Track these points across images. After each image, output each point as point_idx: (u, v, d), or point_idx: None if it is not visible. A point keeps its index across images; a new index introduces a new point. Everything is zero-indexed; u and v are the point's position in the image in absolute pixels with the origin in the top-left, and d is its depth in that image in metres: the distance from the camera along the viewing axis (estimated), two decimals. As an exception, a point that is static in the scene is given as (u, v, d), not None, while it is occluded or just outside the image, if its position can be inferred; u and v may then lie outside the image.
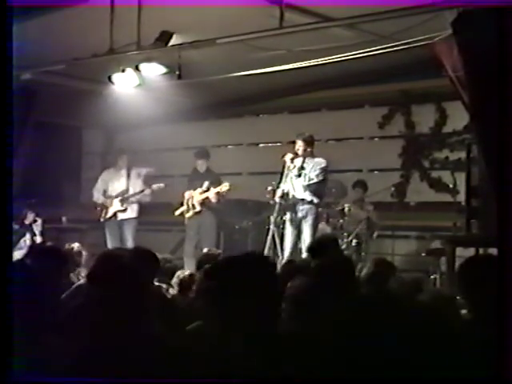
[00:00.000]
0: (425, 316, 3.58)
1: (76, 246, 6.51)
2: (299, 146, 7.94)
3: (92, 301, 2.96)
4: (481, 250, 6.52)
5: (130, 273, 3.01)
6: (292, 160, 7.91)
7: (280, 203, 7.89)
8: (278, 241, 8.15)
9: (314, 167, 7.92)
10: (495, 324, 2.85)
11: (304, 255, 7.63)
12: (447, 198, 9.23)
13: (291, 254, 7.75)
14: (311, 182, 7.86)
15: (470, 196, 6.76)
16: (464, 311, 3.60)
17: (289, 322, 3.61)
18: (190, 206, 9.15)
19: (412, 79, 9.61)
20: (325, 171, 7.97)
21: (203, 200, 9.08)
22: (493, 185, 5.48)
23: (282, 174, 7.95)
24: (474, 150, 6.70)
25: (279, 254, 7.98)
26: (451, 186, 8.84)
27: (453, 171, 8.80)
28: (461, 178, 7.85)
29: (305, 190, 7.89)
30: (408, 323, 2.86)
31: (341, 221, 8.99)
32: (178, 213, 9.25)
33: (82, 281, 5.24)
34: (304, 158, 7.94)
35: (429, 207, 9.67)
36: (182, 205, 9.25)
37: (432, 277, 8.22)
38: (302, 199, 7.89)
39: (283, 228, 8.05)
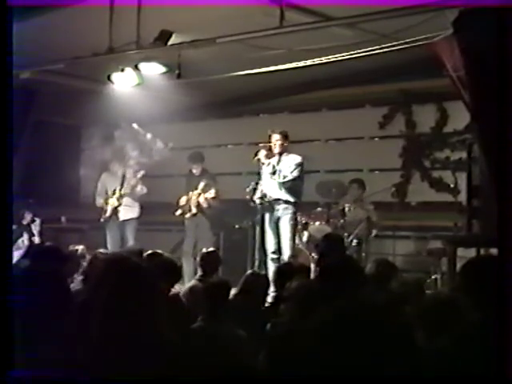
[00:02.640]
0: (426, 316, 3.56)
1: (80, 248, 6.41)
2: (276, 140, 7.68)
3: (97, 300, 2.94)
4: (482, 251, 6.50)
5: (140, 274, 3.00)
6: (266, 157, 7.69)
7: (260, 203, 7.69)
8: (260, 240, 7.98)
9: (288, 164, 7.68)
10: (496, 324, 2.84)
11: (285, 256, 7.52)
12: (448, 197, 9.20)
13: (276, 260, 7.55)
14: (286, 179, 7.61)
15: (471, 196, 6.74)
16: (465, 311, 3.58)
17: (292, 322, 3.59)
18: (187, 208, 9.18)
19: (413, 79, 9.59)
20: (300, 167, 7.69)
21: (197, 203, 9.09)
22: (494, 184, 5.46)
23: (258, 173, 7.76)
24: (475, 150, 6.68)
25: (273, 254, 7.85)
26: (452, 185, 8.81)
27: (454, 171, 8.78)
28: (462, 177, 7.82)
29: (280, 189, 7.64)
30: (409, 323, 2.84)
31: (341, 221, 8.97)
32: (178, 213, 9.25)
33: (86, 281, 5.23)
34: (280, 155, 7.71)
35: (430, 207, 9.65)
36: (179, 206, 9.26)
37: (433, 277, 8.20)
38: (277, 199, 7.66)
39: (263, 228, 7.83)
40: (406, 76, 9.61)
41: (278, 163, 7.70)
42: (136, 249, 7.69)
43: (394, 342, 2.54)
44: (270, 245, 7.68)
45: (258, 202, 7.67)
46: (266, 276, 5.64)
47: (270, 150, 7.73)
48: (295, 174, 7.65)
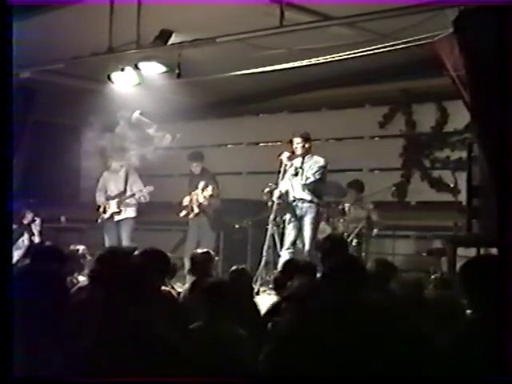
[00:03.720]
0: (426, 316, 3.56)
1: (81, 248, 6.38)
2: (297, 143, 7.88)
3: (95, 299, 2.94)
4: (482, 250, 6.50)
5: (135, 272, 3.00)
6: (289, 159, 7.86)
7: (278, 203, 7.88)
8: (277, 240, 8.20)
9: (311, 166, 7.86)
10: (496, 323, 2.84)
11: (305, 254, 7.65)
12: (448, 197, 9.21)
13: (290, 253, 7.72)
14: (308, 180, 7.79)
15: (471, 195, 6.75)
16: (465, 311, 3.58)
17: (293, 322, 3.58)
18: (190, 208, 9.18)
19: (413, 78, 9.59)
20: (323, 170, 7.88)
21: (199, 203, 9.10)
22: (494, 184, 5.46)
23: (279, 173, 7.90)
24: (475, 150, 6.69)
25: (279, 253, 7.98)
26: (452, 185, 8.81)
27: (454, 171, 8.78)
28: (462, 177, 7.83)
29: (303, 189, 7.84)
30: (410, 323, 2.85)
31: (341, 220, 8.97)
32: (182, 214, 9.25)
33: (85, 280, 5.21)
34: (303, 157, 7.89)
35: (430, 207, 9.65)
36: (181, 206, 9.25)
37: (433, 277, 8.19)
38: (301, 198, 7.85)
39: (283, 228, 8.04)
40: (405, 75, 9.61)
41: (301, 165, 7.84)
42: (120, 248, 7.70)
43: (395, 341, 2.55)
44: (287, 243, 7.82)
45: (276, 202, 7.79)
46: (247, 271, 5.61)
47: (293, 152, 7.90)
48: (318, 176, 7.84)
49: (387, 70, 9.43)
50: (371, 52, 7.25)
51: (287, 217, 7.90)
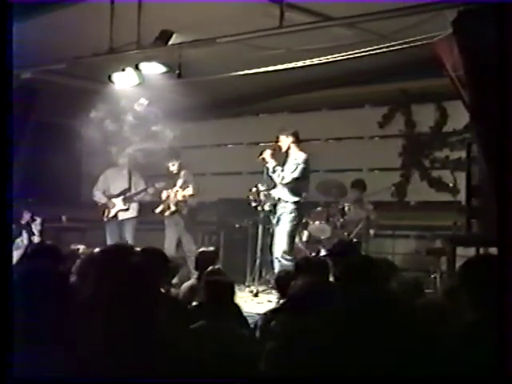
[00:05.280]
0: (426, 316, 3.57)
1: (82, 247, 6.39)
2: (281, 140, 7.82)
3: (95, 299, 2.95)
4: (481, 250, 6.51)
5: (138, 272, 3.01)
6: (272, 156, 7.78)
7: (264, 203, 7.85)
8: (260, 241, 8.17)
9: (290, 164, 7.76)
10: (496, 324, 2.85)
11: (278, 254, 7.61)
12: (447, 197, 9.23)
13: (279, 261, 7.63)
14: (284, 180, 7.69)
15: (471, 195, 6.75)
16: (464, 311, 3.59)
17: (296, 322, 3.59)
18: (166, 205, 9.13)
19: (412, 78, 9.60)
20: (302, 166, 7.70)
21: (177, 201, 9.03)
22: (493, 184, 5.48)
23: (262, 173, 7.89)
24: (474, 150, 6.69)
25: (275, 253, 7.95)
26: (451, 185, 8.83)
27: (453, 170, 8.79)
28: (461, 177, 7.84)
29: (282, 188, 7.75)
30: (409, 324, 2.86)
31: (341, 220, 8.98)
32: (158, 211, 9.21)
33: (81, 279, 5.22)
34: (286, 155, 7.81)
35: (429, 207, 9.67)
36: (160, 201, 9.23)
37: (432, 276, 8.22)
38: (279, 198, 7.78)
39: (269, 227, 7.99)
40: (405, 76, 9.63)
41: (283, 163, 7.78)
42: (125, 245, 7.70)
43: (394, 341, 2.55)
44: (274, 244, 7.77)
45: (262, 202, 7.78)
46: (223, 271, 5.60)
47: (274, 149, 7.85)
48: (295, 174, 7.70)
49: (387, 70, 9.44)
50: (371, 52, 7.26)
51: (271, 217, 7.87)
